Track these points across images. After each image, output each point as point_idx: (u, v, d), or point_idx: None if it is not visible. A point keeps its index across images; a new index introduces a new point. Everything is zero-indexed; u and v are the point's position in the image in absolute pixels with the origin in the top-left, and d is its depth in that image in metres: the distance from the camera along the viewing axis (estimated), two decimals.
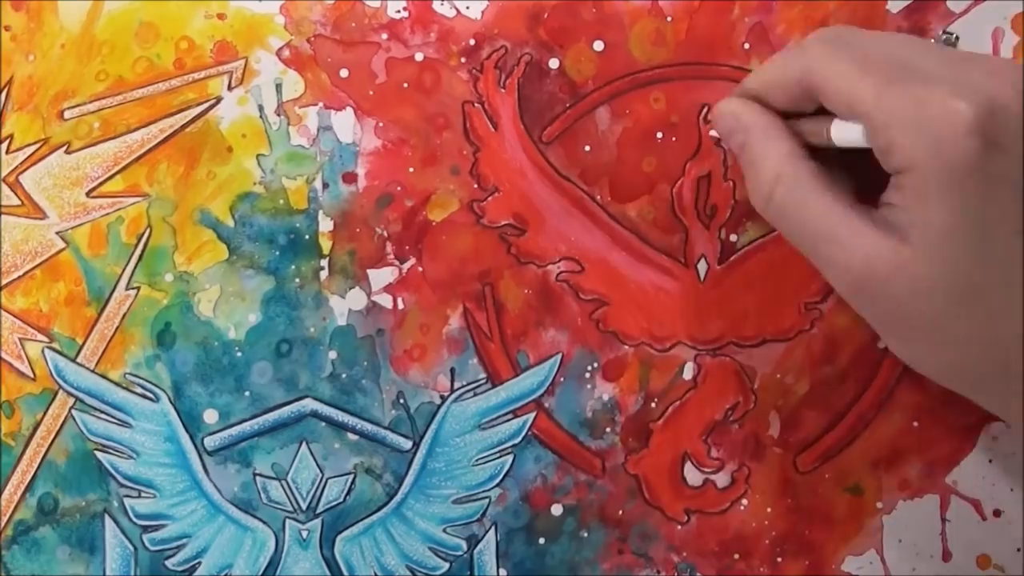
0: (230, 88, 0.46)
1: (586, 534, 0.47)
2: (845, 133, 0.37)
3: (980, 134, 0.34)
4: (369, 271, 0.46)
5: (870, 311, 0.38)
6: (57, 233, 0.46)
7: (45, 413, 0.46)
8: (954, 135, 0.34)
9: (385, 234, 0.46)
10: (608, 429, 0.47)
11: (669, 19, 0.47)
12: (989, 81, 0.35)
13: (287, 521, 0.46)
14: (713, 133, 0.45)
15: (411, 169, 0.46)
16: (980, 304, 0.35)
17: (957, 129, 0.34)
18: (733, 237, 0.47)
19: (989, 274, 0.35)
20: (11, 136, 0.46)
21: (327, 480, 0.46)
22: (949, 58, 0.37)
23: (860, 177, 0.39)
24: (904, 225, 0.35)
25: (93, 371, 0.46)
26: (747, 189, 0.40)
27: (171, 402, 0.46)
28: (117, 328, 0.46)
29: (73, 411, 0.46)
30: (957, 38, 0.46)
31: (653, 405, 0.47)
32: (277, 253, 0.46)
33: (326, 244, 0.46)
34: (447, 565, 0.47)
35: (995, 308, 0.35)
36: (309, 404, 0.46)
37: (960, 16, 0.47)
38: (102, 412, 0.46)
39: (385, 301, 0.46)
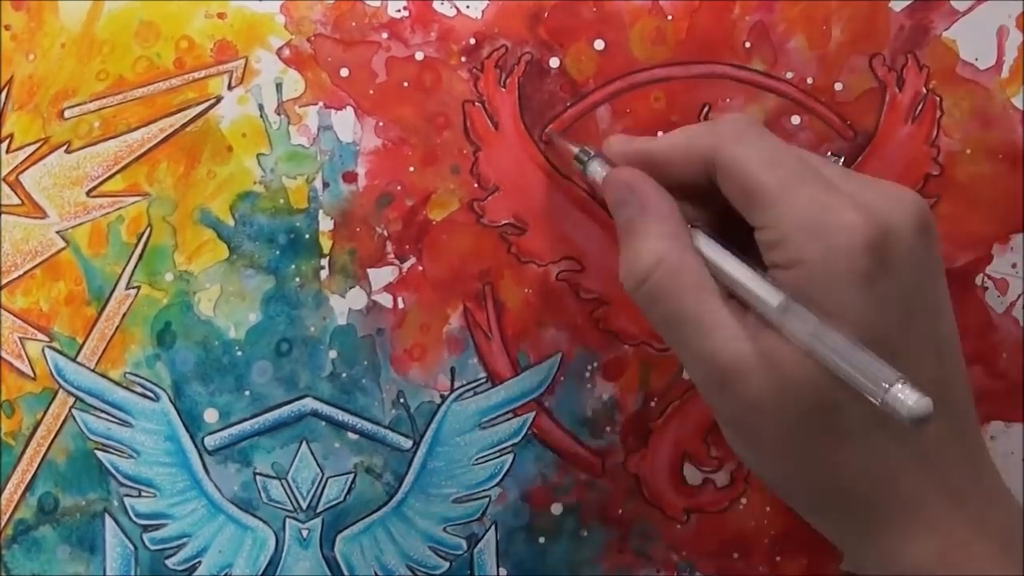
0: (230, 87, 0.46)
1: (586, 533, 0.47)
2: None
3: (873, 253, 0.35)
4: (369, 270, 0.46)
5: (724, 409, 0.37)
6: (57, 232, 0.46)
7: (45, 412, 0.46)
8: (850, 248, 0.35)
9: (385, 233, 0.46)
10: (608, 428, 0.47)
11: (670, 18, 0.47)
12: (888, 203, 0.36)
13: (287, 520, 0.46)
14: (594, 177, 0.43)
15: (411, 168, 0.46)
16: (834, 424, 0.35)
17: (854, 243, 0.35)
18: None
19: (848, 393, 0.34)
20: (11, 135, 0.46)
21: (327, 479, 0.46)
22: (852, 175, 0.38)
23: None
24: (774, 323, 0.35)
25: (93, 370, 0.46)
26: (620, 265, 0.39)
27: (171, 401, 0.46)
28: (117, 327, 0.46)
29: (73, 410, 0.46)
30: (843, 158, 0.45)
31: (653, 404, 0.47)
32: (277, 252, 0.46)
33: (326, 243, 0.46)
34: (447, 564, 0.47)
35: (849, 430, 0.35)
36: (309, 403, 0.46)
37: (964, 15, 0.47)
38: (102, 411, 0.46)
39: (385, 300, 0.46)
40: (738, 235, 0.38)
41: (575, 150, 0.43)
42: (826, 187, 0.36)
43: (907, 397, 0.32)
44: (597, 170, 0.42)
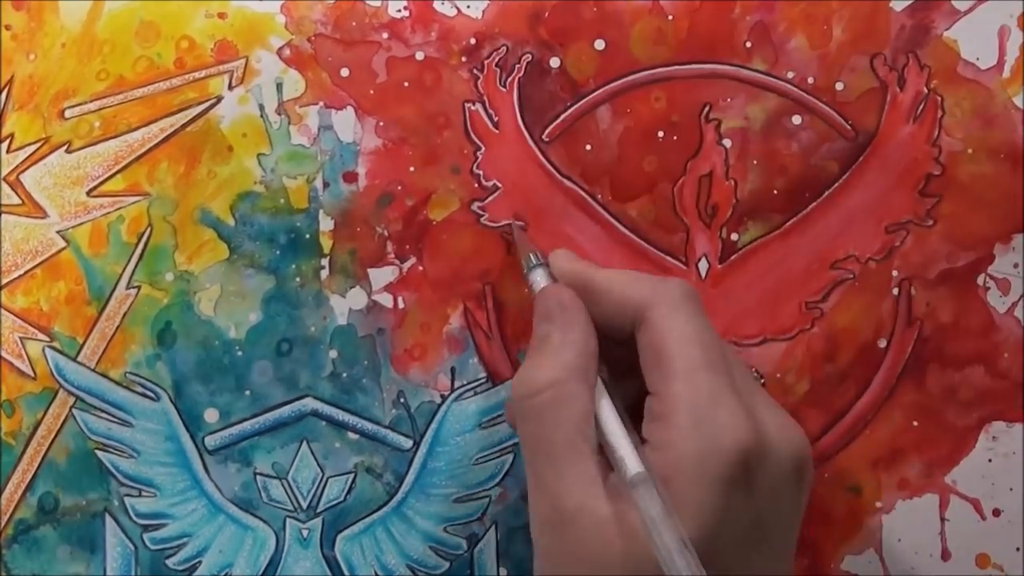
0: (231, 87, 0.46)
1: None
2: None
3: (745, 465, 0.35)
4: (370, 270, 0.46)
5: (553, 547, 0.37)
6: (58, 232, 0.46)
7: (46, 412, 0.46)
8: (725, 450, 0.35)
9: (386, 233, 0.46)
10: None
11: (670, 18, 0.47)
12: (777, 431, 0.37)
13: (287, 520, 0.46)
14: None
15: (412, 168, 0.46)
16: None
17: (731, 446, 0.35)
18: (734, 236, 0.47)
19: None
20: (12, 135, 0.46)
21: (327, 479, 0.46)
22: (759, 391, 0.39)
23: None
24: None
25: (94, 370, 0.46)
26: (518, 372, 0.39)
27: (172, 401, 0.46)
28: (118, 327, 0.46)
29: (74, 410, 0.46)
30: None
31: None
32: (278, 252, 0.46)
33: (327, 243, 0.46)
34: (447, 564, 0.47)
35: None
36: (309, 403, 0.46)
37: (965, 14, 0.47)
38: (103, 411, 0.46)
39: (385, 300, 0.46)
40: (639, 393, 0.38)
41: (529, 253, 0.43)
42: (729, 386, 0.36)
43: None
44: (539, 280, 0.42)
